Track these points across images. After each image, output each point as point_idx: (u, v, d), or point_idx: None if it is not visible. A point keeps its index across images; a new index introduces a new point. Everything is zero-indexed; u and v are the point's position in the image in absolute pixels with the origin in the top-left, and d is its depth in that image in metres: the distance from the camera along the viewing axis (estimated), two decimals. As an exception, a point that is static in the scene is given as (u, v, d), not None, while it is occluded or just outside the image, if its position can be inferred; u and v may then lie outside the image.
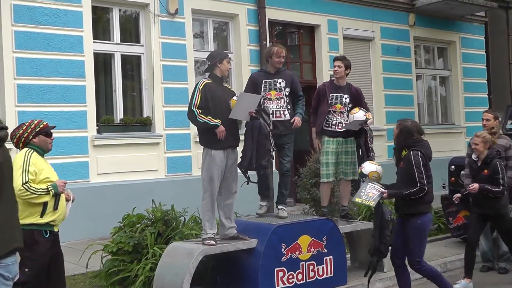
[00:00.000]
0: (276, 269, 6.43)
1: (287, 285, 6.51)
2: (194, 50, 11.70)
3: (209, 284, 6.76)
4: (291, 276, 6.58)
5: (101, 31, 10.94)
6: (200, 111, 5.99)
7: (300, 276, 6.67)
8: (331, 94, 7.12)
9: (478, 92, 17.56)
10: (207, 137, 6.12)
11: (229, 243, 6.31)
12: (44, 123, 4.90)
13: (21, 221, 4.44)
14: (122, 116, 10.86)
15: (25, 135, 4.77)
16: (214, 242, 6.16)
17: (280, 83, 6.83)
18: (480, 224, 6.95)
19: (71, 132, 10.12)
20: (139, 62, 11.21)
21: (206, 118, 5.98)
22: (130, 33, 11.27)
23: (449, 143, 15.57)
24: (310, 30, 13.79)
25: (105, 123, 10.53)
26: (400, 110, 15.12)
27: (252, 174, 6.43)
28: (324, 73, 13.38)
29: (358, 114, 7.01)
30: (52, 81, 10.01)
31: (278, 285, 6.44)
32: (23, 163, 4.67)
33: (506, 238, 7.01)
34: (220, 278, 6.70)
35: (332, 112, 7.13)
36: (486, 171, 6.71)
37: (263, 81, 6.77)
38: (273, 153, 6.45)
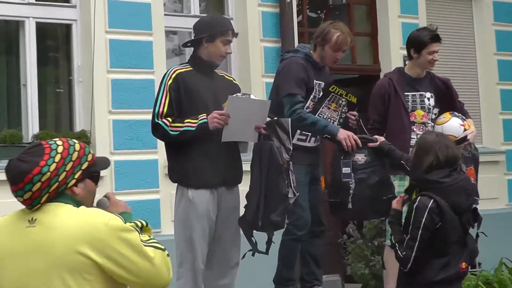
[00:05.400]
0: None
1: None
2: (165, 15, 8.84)
3: None
4: None
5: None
6: (170, 119, 5.02)
7: None
8: (405, 94, 6.17)
9: None
10: (181, 166, 5.20)
11: None
12: None
13: None
14: (37, 131, 8.16)
15: None
16: None
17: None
18: None
19: None
20: (69, 36, 8.59)
21: (183, 125, 5.02)
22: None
23: None
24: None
25: (5, 143, 7.89)
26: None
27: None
28: (394, 55, 10.16)
29: (451, 125, 5.99)
30: None
31: None
32: None
33: None
34: None
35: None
36: None
37: (316, 81, 5.96)
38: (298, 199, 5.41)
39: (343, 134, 5.82)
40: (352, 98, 6.15)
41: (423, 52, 6.06)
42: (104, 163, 3.30)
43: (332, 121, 5.97)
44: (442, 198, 4.81)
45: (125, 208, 3.15)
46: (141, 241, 2.86)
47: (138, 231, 2.88)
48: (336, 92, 6.04)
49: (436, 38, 6.22)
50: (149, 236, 3.02)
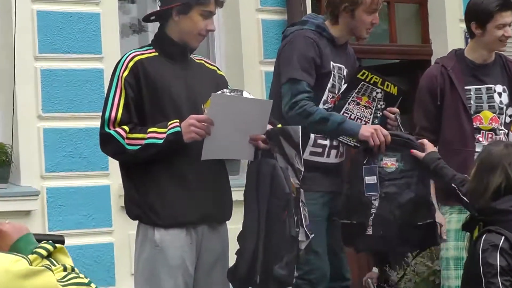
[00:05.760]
0: None
1: None
2: (119, -21, 8.29)
3: None
4: None
5: None
6: (127, 128, 4.56)
7: None
8: (466, 89, 5.55)
9: None
10: (144, 195, 4.71)
11: None
12: None
13: None
14: None
15: None
16: None
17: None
18: None
19: None
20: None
21: (146, 136, 4.61)
22: None
23: None
24: None
25: None
26: None
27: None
28: (452, 30, 9.12)
29: None
30: None
31: None
32: None
33: None
34: None
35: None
36: None
37: (334, 64, 5.40)
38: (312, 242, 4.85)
39: (367, 130, 5.16)
40: (391, 88, 5.36)
41: (490, 26, 5.36)
42: None
43: (363, 122, 5.27)
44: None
45: (19, 232, 2.74)
46: (57, 281, 2.67)
47: (49, 268, 2.56)
48: (368, 80, 5.24)
49: (507, 5, 5.52)
50: (66, 269, 2.71)
